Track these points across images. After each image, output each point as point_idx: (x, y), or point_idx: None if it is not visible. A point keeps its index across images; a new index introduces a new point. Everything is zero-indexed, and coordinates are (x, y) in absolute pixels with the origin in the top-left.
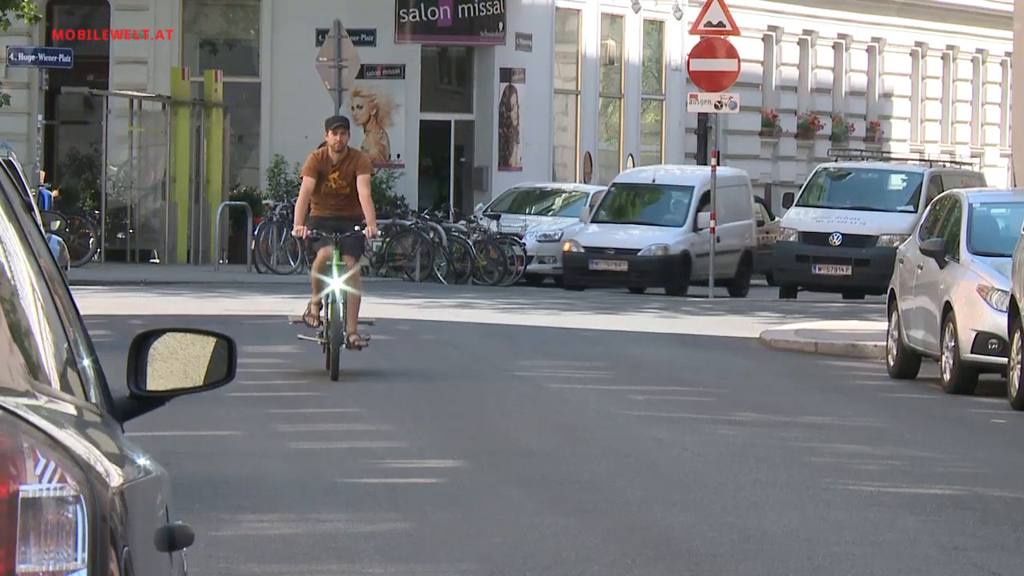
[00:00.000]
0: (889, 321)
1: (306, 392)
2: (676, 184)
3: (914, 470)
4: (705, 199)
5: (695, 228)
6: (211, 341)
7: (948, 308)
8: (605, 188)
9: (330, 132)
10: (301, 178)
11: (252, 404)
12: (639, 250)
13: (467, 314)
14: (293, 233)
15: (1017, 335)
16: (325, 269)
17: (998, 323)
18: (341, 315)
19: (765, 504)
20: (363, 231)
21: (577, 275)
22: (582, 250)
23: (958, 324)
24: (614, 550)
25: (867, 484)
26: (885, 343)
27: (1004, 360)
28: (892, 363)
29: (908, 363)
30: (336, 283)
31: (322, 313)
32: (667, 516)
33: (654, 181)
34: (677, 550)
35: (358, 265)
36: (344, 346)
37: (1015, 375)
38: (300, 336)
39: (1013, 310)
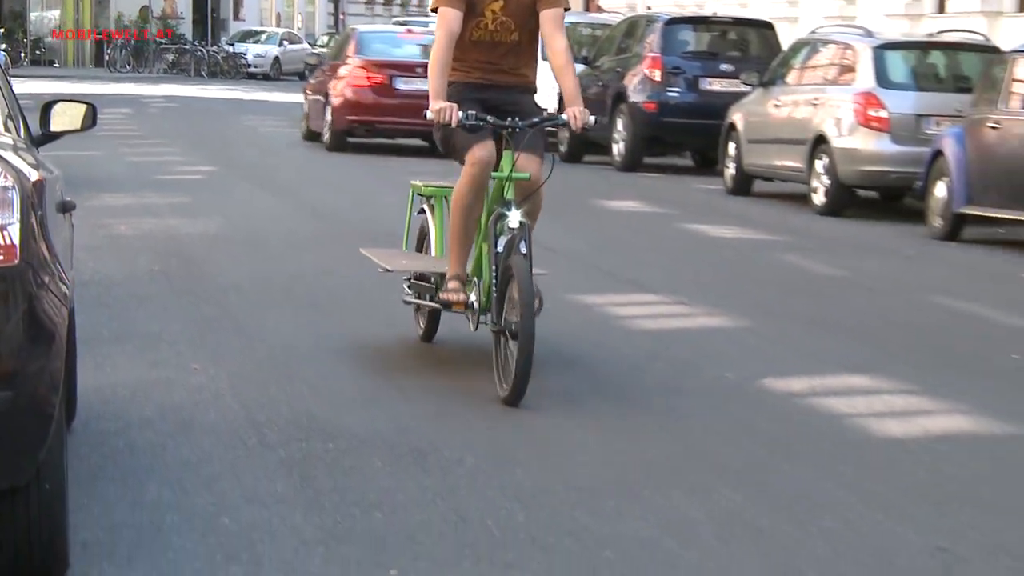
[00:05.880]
0: None
1: (142, 136)
2: None
3: None
4: None
5: None
6: (84, 106)
7: None
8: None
9: None
10: (433, 10)
11: (108, 140)
12: None
13: (221, 93)
14: (429, 114)
15: None
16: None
17: None
18: (528, 277)
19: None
20: (559, 119)
21: None
22: None
23: None
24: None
25: None
26: None
27: None
28: None
29: None
30: (513, 216)
31: (475, 277)
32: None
33: None
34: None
35: (547, 176)
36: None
37: None
38: (407, 298)
39: None
